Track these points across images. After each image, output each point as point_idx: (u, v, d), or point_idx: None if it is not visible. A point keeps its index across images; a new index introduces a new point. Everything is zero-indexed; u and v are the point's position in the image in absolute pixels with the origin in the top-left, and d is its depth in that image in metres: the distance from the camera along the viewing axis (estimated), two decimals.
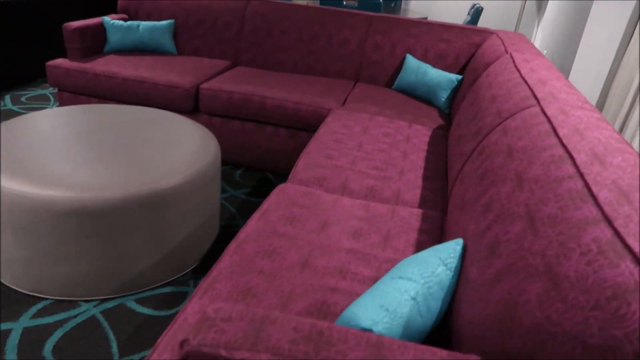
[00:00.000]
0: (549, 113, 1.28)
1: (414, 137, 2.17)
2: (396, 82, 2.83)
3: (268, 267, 1.20)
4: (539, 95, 1.46)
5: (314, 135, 2.11)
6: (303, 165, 1.80)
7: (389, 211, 1.55)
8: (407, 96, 2.74)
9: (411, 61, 2.77)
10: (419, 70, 2.69)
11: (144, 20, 3.19)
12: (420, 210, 1.59)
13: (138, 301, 1.69)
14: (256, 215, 1.44)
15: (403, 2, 5.39)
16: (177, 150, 1.85)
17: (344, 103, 2.59)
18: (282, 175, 2.68)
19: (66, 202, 1.49)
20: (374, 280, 1.21)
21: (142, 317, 1.63)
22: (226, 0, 3.11)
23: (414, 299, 0.89)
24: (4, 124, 1.89)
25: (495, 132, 1.44)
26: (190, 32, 3.14)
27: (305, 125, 2.51)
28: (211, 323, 0.73)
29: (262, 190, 2.53)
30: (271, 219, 1.40)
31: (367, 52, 2.94)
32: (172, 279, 1.82)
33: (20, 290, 1.68)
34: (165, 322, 1.62)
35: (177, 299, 1.73)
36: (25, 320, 1.56)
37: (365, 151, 1.96)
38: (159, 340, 0.99)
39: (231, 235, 2.11)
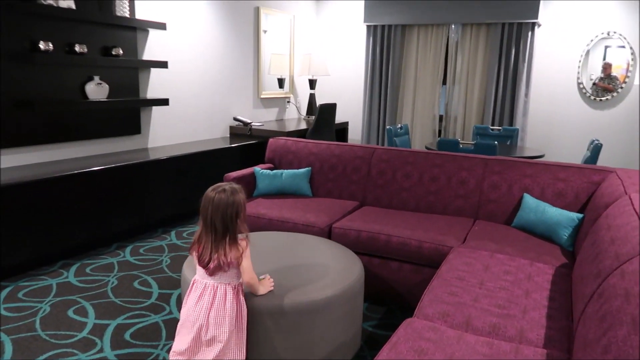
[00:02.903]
0: None
1: (536, 275, 2.25)
2: (515, 220, 2.95)
3: None
4: None
5: (436, 272, 2.29)
6: (427, 301, 1.98)
7: (512, 350, 1.63)
8: (527, 234, 2.84)
9: (529, 200, 2.90)
10: (538, 208, 2.81)
11: (286, 168, 3.77)
12: (545, 351, 1.64)
13: None
14: (387, 346, 1.62)
15: (519, 139, 5.60)
16: (327, 268, 2.30)
17: (464, 240, 2.76)
18: (407, 308, 2.83)
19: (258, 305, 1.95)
20: None
21: None
22: (355, 149, 3.61)
23: None
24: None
25: (613, 276, 1.52)
26: (323, 176, 3.63)
27: (428, 262, 2.71)
28: None
29: (387, 323, 2.69)
30: (401, 350, 1.58)
31: (484, 191, 3.15)
32: None
33: None
34: None
35: None
36: None
37: (487, 289, 2.08)
38: None
39: None
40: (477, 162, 3.23)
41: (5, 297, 2.82)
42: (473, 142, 4.07)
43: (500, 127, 5.32)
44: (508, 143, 5.11)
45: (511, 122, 5.85)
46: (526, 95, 5.72)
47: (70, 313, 2.65)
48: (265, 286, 2.05)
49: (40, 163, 3.60)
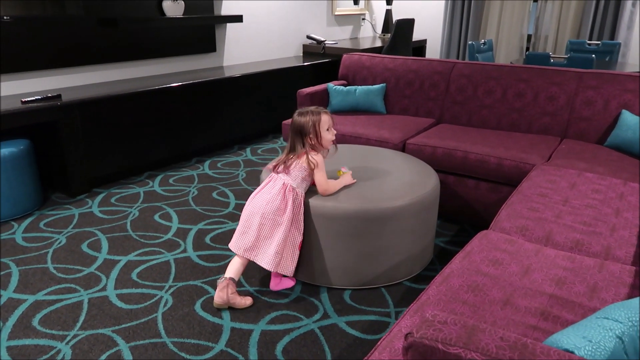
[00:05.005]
0: None
1: (630, 195, 2.07)
2: (609, 139, 2.70)
3: (472, 300, 1.34)
4: None
5: (516, 188, 2.18)
6: (505, 215, 1.89)
7: (596, 265, 1.54)
8: (622, 153, 2.60)
9: (628, 117, 2.63)
10: (638, 126, 2.54)
11: (360, 85, 3.67)
12: (633, 268, 1.53)
13: (348, 323, 1.96)
14: (460, 255, 1.59)
15: (620, 56, 5.03)
16: (402, 179, 2.31)
17: (548, 159, 2.58)
18: (481, 227, 2.75)
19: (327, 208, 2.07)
20: None
21: (352, 337, 1.89)
22: (433, 63, 3.41)
23: (619, 337, 0.93)
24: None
25: None
26: (399, 92, 3.50)
27: (507, 180, 2.58)
28: (430, 324, 0.92)
29: (459, 240, 2.64)
30: (474, 260, 1.54)
31: (576, 108, 2.89)
32: (385, 284, 2.07)
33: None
34: (371, 344, 1.84)
35: (381, 327, 1.94)
36: (263, 325, 1.95)
37: (572, 206, 1.95)
38: (377, 344, 1.21)
39: (426, 277, 2.27)
40: (570, 76, 2.94)
41: (99, 201, 3.07)
42: (566, 56, 3.70)
43: (599, 42, 4.78)
44: (607, 59, 4.60)
45: (612, 36, 5.24)
46: (634, 5, 5.05)
47: (156, 217, 2.85)
48: (345, 179, 2.18)
49: (123, 80, 3.76)
